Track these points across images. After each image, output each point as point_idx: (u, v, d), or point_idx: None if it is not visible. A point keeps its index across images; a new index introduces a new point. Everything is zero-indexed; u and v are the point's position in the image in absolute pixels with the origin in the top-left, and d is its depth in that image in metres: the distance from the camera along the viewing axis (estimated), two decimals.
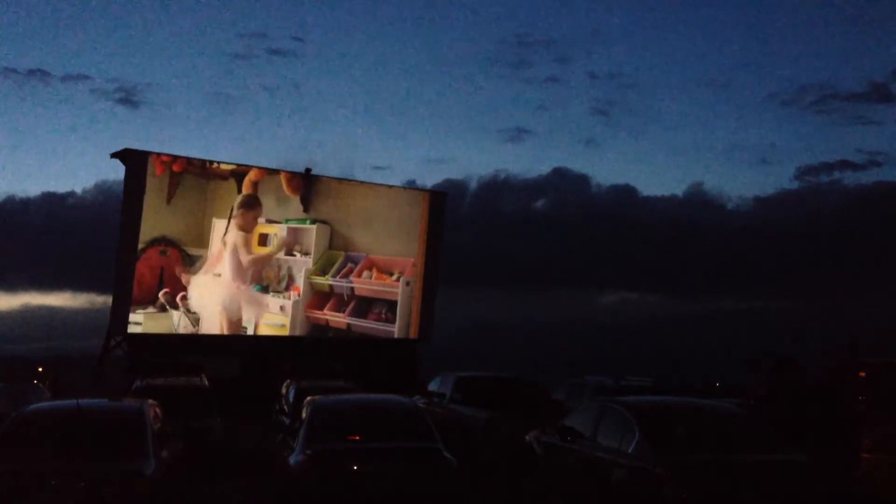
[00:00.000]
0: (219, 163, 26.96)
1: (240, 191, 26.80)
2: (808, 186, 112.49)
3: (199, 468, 10.73)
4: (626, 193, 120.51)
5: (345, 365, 24.83)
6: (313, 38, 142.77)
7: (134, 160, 25.21)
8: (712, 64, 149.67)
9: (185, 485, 9.31)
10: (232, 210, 26.41)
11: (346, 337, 28.25)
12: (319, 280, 27.79)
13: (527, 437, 11.16)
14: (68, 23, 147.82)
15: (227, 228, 26.21)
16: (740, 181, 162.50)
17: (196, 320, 25.93)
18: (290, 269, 27.42)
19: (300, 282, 27.42)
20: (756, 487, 7.79)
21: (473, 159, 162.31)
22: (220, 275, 26.13)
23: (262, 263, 26.87)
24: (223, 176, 26.85)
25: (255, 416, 17.32)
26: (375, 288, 28.85)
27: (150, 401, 9.64)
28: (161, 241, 25.48)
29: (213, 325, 26.31)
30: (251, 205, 26.72)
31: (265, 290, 27.07)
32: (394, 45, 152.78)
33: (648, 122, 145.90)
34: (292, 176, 27.87)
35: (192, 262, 25.81)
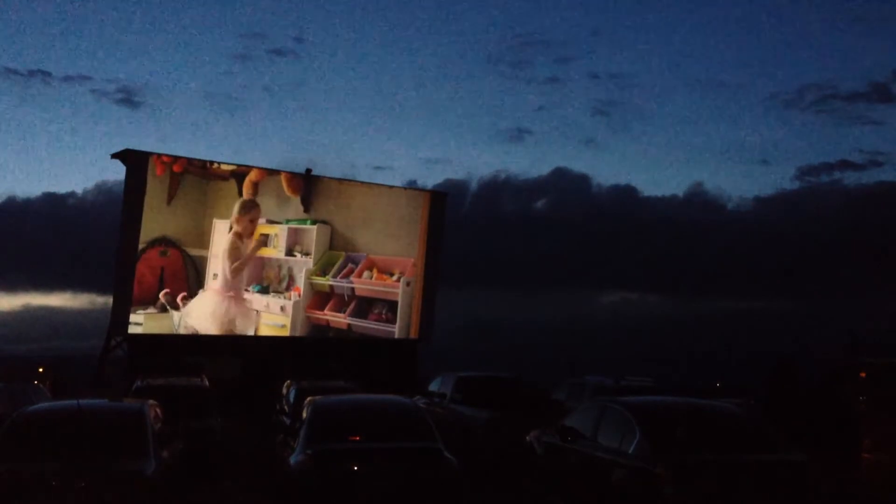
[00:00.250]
0: (219, 163, 26.97)
1: (240, 191, 26.81)
2: (809, 186, 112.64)
3: (199, 468, 10.73)
4: (626, 193, 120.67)
5: (345, 365, 24.81)
6: (313, 39, 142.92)
7: (134, 160, 25.22)
8: (712, 64, 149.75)
9: (185, 485, 9.32)
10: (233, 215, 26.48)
11: (346, 337, 28.26)
12: (320, 280, 27.79)
13: (527, 437, 11.17)
14: (69, 23, 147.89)
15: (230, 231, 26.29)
16: (740, 181, 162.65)
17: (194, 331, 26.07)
18: (290, 269, 27.43)
19: (301, 282, 27.42)
20: (756, 487, 7.80)
21: (474, 159, 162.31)
22: (216, 275, 26.14)
23: (244, 265, 26.66)
24: (223, 176, 26.85)
25: (256, 417, 17.34)
26: (376, 288, 28.86)
27: (151, 401, 9.65)
28: (161, 242, 25.49)
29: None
30: (248, 209, 26.70)
31: (265, 290, 27.08)
32: (394, 46, 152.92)
33: (649, 122, 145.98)
34: (293, 176, 27.88)
35: (194, 267, 25.81)
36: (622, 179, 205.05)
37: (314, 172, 28.38)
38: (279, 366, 23.50)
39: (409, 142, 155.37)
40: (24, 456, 7.73)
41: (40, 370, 29.74)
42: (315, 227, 27.76)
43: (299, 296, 27.40)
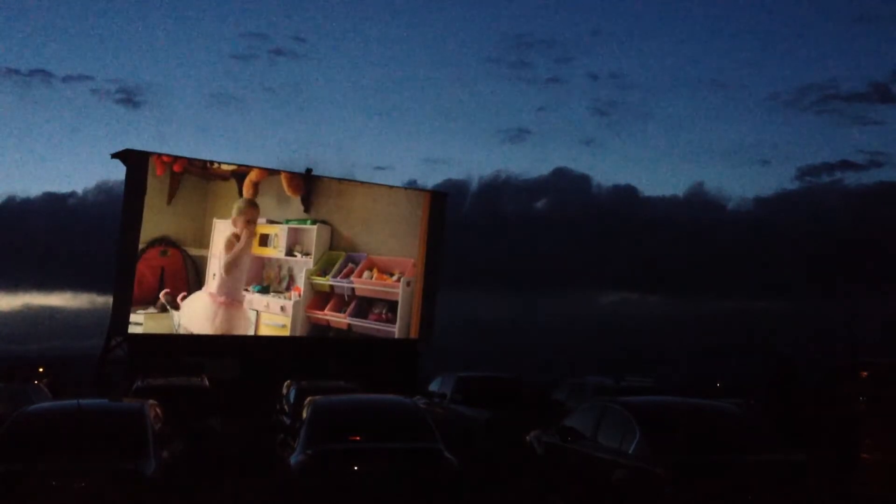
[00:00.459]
0: (219, 163, 26.97)
1: (240, 191, 26.81)
2: (809, 187, 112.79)
3: (199, 468, 10.73)
4: (626, 194, 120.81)
5: (345, 365, 24.84)
6: (314, 39, 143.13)
7: (135, 160, 25.22)
8: (713, 64, 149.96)
9: (185, 485, 9.32)
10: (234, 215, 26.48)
11: (346, 337, 28.25)
12: (320, 280, 27.80)
13: (527, 437, 11.17)
14: (69, 23, 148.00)
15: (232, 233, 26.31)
16: (740, 181, 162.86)
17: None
18: (290, 269, 27.43)
19: (301, 282, 27.42)
20: (756, 487, 7.79)
21: (474, 159, 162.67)
22: (215, 275, 26.14)
23: (237, 260, 26.62)
24: (224, 176, 26.86)
25: (256, 417, 17.32)
26: (376, 288, 28.86)
27: (151, 401, 9.65)
28: (162, 242, 25.49)
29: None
30: (248, 208, 26.70)
31: (265, 290, 27.08)
32: (395, 46, 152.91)
33: (649, 123, 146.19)
34: (293, 176, 27.88)
35: (194, 267, 25.81)
36: (622, 179, 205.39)
37: (314, 172, 28.38)
38: (279, 366, 23.49)
39: (410, 142, 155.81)
40: (24, 456, 7.72)
41: (40, 370, 29.77)
42: (315, 227, 27.77)
43: (299, 296, 27.41)
